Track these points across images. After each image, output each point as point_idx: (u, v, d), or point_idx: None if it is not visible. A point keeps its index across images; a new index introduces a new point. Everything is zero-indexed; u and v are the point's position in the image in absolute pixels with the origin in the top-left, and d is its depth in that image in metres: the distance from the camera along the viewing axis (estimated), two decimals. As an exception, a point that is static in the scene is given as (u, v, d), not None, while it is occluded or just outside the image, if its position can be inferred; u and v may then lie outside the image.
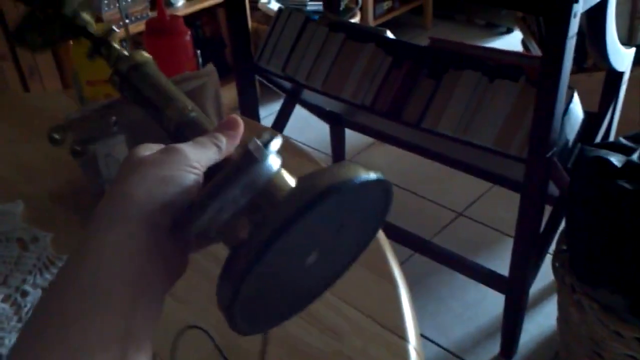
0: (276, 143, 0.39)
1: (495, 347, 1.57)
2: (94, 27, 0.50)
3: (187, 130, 0.44)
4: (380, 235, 0.75)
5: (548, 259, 1.45)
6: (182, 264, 0.40)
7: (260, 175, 0.38)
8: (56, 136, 0.47)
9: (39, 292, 0.70)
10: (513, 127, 1.32)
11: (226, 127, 0.43)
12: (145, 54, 0.47)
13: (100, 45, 0.49)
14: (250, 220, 0.38)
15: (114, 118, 0.74)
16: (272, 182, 0.38)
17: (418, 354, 0.61)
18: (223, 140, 0.42)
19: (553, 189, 1.39)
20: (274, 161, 0.38)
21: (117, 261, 0.36)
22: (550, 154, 1.25)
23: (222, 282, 0.36)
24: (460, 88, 1.40)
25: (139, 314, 0.35)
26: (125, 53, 0.47)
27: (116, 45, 0.48)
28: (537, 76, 1.27)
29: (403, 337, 0.61)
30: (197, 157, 0.40)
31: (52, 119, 1.02)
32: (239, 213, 0.38)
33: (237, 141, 0.43)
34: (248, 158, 0.37)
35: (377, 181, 0.39)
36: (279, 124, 1.89)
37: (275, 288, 0.40)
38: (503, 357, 1.56)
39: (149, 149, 0.41)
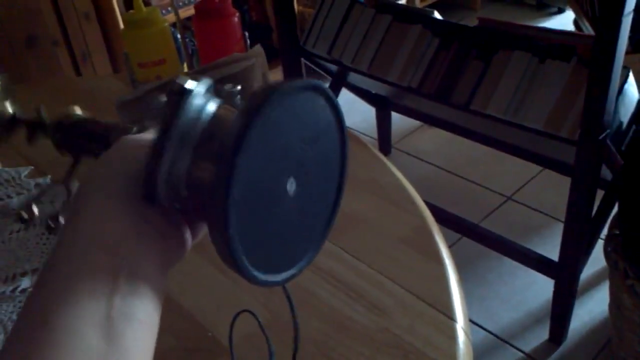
0: (203, 83, 0.39)
1: (544, 333, 1.55)
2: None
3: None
4: (428, 215, 0.75)
5: (599, 244, 1.42)
6: (178, 242, 0.39)
7: (194, 106, 0.38)
8: (24, 215, 0.48)
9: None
10: (564, 109, 1.29)
11: None
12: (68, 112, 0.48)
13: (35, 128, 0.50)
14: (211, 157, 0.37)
15: (165, 99, 0.76)
16: (217, 116, 0.39)
17: (466, 334, 0.60)
18: None
19: (605, 173, 1.35)
20: (204, 96, 0.40)
21: (94, 227, 0.35)
22: (603, 136, 1.21)
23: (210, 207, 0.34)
24: (510, 69, 1.37)
25: (121, 288, 0.34)
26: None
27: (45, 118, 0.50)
28: (589, 56, 1.24)
29: (451, 317, 0.61)
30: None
31: (104, 101, 1.05)
32: (198, 158, 0.37)
33: None
34: (174, 95, 0.39)
35: (312, 86, 0.38)
36: (325, 107, 1.89)
37: (266, 223, 0.38)
38: (552, 342, 1.53)
39: None
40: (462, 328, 0.60)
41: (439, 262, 0.67)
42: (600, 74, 1.15)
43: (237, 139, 0.33)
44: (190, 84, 0.39)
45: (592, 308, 1.60)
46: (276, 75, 2.25)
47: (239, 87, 0.77)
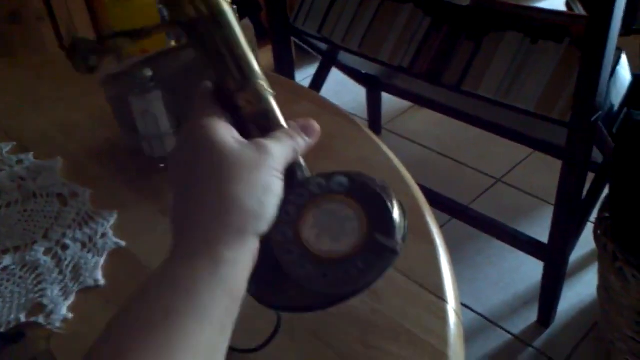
0: None
1: (532, 315, 1.55)
2: None
3: (262, 119, 0.43)
4: (419, 196, 0.73)
5: (589, 227, 1.42)
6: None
7: None
8: (91, 62, 0.45)
9: (78, 247, 0.70)
10: (556, 90, 1.28)
11: (304, 129, 0.44)
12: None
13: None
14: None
15: (150, 73, 0.74)
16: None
17: (457, 315, 0.59)
18: (301, 145, 0.43)
19: (596, 155, 1.35)
20: None
21: (236, 281, 0.37)
22: (594, 118, 1.20)
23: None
24: (501, 49, 1.36)
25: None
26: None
27: None
28: (582, 37, 1.23)
29: (442, 298, 0.60)
30: (281, 161, 0.41)
31: (91, 78, 1.03)
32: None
33: (310, 147, 0.44)
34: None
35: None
36: (315, 87, 1.87)
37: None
38: (540, 325, 1.54)
39: (230, 133, 0.40)
40: (453, 309, 0.60)
41: (430, 242, 0.66)
42: (592, 55, 1.14)
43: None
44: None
45: (581, 290, 1.60)
46: (266, 54, 2.22)
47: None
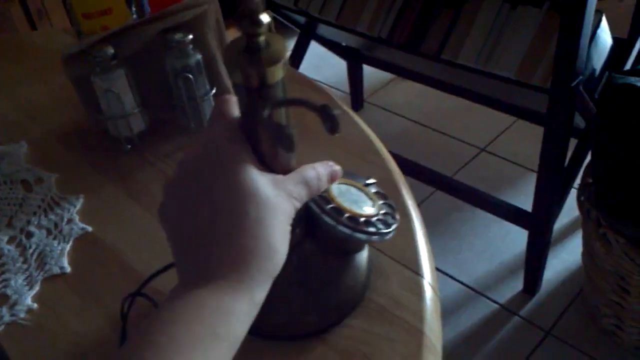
0: None
1: (518, 284, 1.55)
2: None
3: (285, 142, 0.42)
4: (394, 168, 0.71)
5: (573, 193, 1.41)
6: None
7: None
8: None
9: (43, 234, 0.68)
10: (536, 56, 1.26)
11: (329, 174, 0.45)
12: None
13: None
14: None
15: (112, 51, 0.71)
16: None
17: (434, 289, 0.58)
18: (324, 185, 0.45)
19: (578, 121, 1.33)
20: None
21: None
22: (575, 83, 1.19)
23: None
24: (480, 16, 1.33)
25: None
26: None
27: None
28: (562, 0, 1.20)
29: (418, 273, 0.59)
30: (301, 201, 0.42)
31: (56, 57, 1.00)
32: None
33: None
34: None
35: None
36: (294, 61, 1.83)
37: None
38: (526, 293, 1.54)
39: (263, 178, 0.40)
40: (429, 283, 0.58)
41: (406, 216, 0.64)
42: (572, 18, 1.12)
43: None
44: None
45: (566, 258, 1.60)
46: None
47: (190, 37, 0.72)
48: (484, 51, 1.32)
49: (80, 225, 0.68)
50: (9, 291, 0.62)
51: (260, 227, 0.38)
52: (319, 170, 0.44)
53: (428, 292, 0.57)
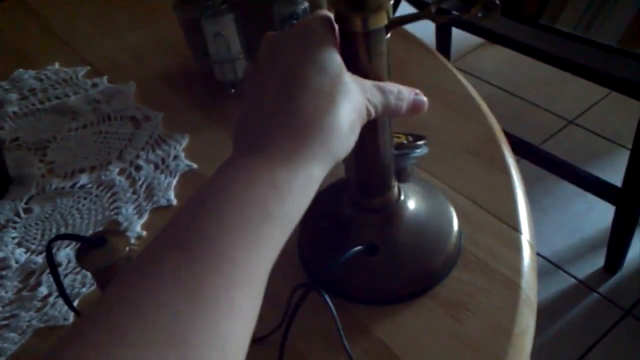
0: None
1: (599, 261, 1.51)
2: None
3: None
4: (495, 126, 0.71)
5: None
6: None
7: None
8: None
9: (151, 168, 0.72)
10: (643, 25, 1.20)
11: (415, 103, 0.43)
12: None
13: None
14: None
15: (223, -4, 0.73)
16: None
17: (531, 246, 0.58)
18: (402, 106, 0.42)
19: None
20: None
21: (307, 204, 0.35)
22: (684, 53, 1.13)
23: None
24: (585, -20, 1.28)
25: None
26: None
27: None
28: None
29: (515, 229, 0.59)
30: (374, 106, 0.40)
31: (158, 3, 1.03)
32: None
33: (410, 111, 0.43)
34: None
35: None
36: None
37: None
38: (606, 271, 1.50)
39: (346, 69, 0.38)
40: (528, 240, 0.58)
41: (506, 172, 0.64)
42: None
43: None
44: None
45: (652, 238, 1.55)
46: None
47: None
48: (586, 17, 1.27)
49: (185, 162, 0.72)
50: (120, 218, 0.66)
51: (330, 103, 0.36)
52: (401, 89, 0.42)
53: (526, 248, 0.57)
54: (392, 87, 0.41)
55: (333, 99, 0.36)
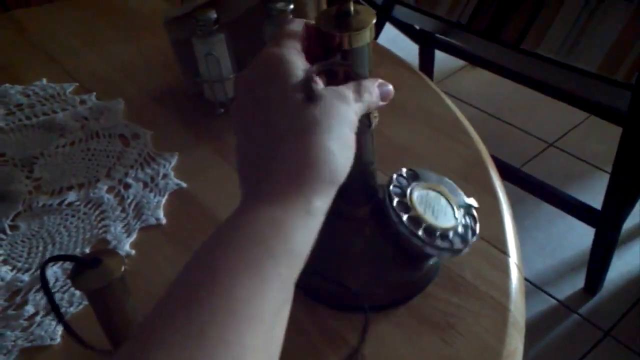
0: None
1: (579, 282, 1.53)
2: None
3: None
4: (482, 148, 0.72)
5: (646, 194, 1.38)
6: None
7: None
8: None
9: (140, 186, 0.71)
10: (622, 51, 1.23)
11: (382, 92, 0.43)
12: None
13: None
14: None
15: (214, 15, 0.73)
16: None
17: (519, 270, 0.59)
18: (373, 105, 0.42)
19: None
20: None
21: (313, 236, 0.36)
22: (662, 81, 1.16)
23: None
24: (566, 7, 1.31)
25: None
26: None
27: None
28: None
29: (504, 251, 0.59)
30: (358, 115, 0.40)
31: (148, 21, 1.03)
32: None
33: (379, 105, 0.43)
34: None
35: None
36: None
37: None
38: (586, 292, 1.52)
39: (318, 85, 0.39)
40: (516, 264, 0.59)
41: (493, 196, 0.65)
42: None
43: None
44: None
45: (630, 260, 1.57)
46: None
47: (291, 6, 0.74)
48: (567, 43, 1.30)
49: (175, 181, 0.71)
50: (109, 237, 0.65)
51: (314, 131, 0.36)
52: (368, 85, 0.42)
53: (514, 271, 0.58)
54: (366, 84, 0.42)
55: (317, 127, 0.36)
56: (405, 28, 1.92)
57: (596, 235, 1.42)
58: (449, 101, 0.79)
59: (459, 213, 0.55)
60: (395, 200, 0.52)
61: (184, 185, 0.71)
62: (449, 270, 0.58)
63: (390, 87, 0.44)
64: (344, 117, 0.38)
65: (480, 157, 0.70)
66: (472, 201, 0.57)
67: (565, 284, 1.55)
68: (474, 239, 0.54)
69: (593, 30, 1.27)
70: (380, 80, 0.43)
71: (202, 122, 0.80)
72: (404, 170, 0.56)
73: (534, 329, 1.45)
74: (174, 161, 0.74)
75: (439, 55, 2.05)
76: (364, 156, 0.50)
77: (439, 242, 0.52)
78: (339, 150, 0.37)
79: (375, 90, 0.42)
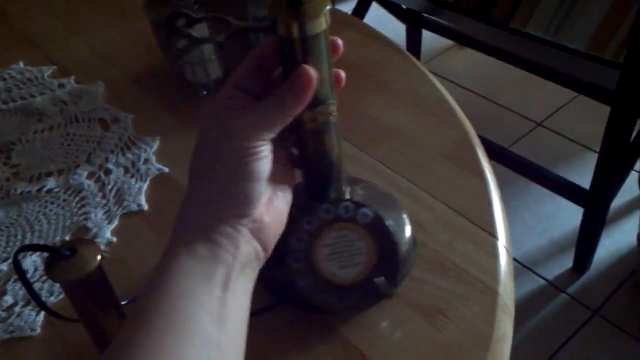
0: None
1: (567, 262, 1.53)
2: None
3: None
4: (469, 129, 0.71)
5: (633, 175, 1.37)
6: None
7: None
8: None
9: (121, 172, 0.70)
10: (610, 30, 1.22)
11: (297, 86, 0.40)
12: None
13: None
14: None
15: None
16: None
17: (508, 252, 0.58)
18: (291, 106, 0.40)
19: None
20: None
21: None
22: (650, 59, 1.15)
23: None
24: (555, -15, 1.29)
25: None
26: None
27: None
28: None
29: (492, 234, 0.58)
30: (265, 134, 0.40)
31: (130, 3, 1.01)
32: None
33: (305, 104, 0.41)
34: None
35: None
36: (354, 23, 1.81)
37: None
38: (575, 271, 1.52)
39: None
40: (504, 246, 0.58)
41: (481, 177, 0.64)
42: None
43: None
44: None
45: (619, 239, 1.57)
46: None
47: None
48: (555, 21, 1.29)
49: (157, 166, 0.70)
50: (89, 224, 0.64)
51: (230, 175, 0.40)
52: (282, 98, 0.41)
53: (503, 254, 0.57)
54: (273, 100, 0.40)
55: (229, 169, 0.41)
56: (392, 7, 1.90)
57: (585, 214, 1.42)
58: (436, 82, 0.77)
59: (373, 249, 0.49)
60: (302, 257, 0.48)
61: (166, 170, 0.69)
62: (437, 254, 0.57)
63: (307, 74, 0.40)
64: (236, 155, 0.40)
65: (467, 138, 0.68)
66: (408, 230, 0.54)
67: (554, 264, 1.55)
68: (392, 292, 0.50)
69: (581, 8, 1.26)
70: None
71: (184, 106, 0.78)
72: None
73: (523, 309, 1.46)
74: (155, 146, 0.73)
75: (427, 35, 2.03)
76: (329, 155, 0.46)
77: (341, 299, 0.49)
78: (253, 187, 0.40)
79: (290, 91, 0.40)
